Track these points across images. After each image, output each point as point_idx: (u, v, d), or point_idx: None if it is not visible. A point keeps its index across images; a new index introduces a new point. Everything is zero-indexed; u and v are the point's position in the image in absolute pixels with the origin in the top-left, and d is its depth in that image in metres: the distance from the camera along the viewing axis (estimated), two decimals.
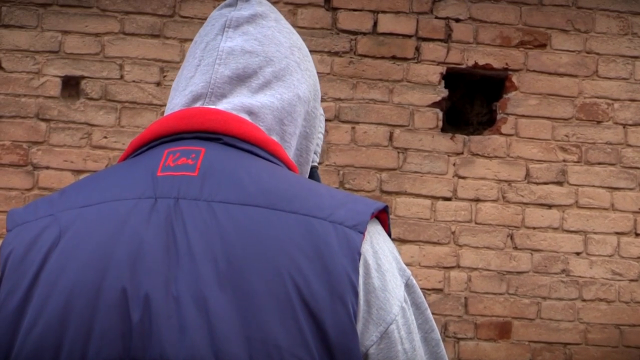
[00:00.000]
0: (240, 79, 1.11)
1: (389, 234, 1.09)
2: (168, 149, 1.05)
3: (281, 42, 1.17)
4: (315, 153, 1.24)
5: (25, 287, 0.98)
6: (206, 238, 0.96)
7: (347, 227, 0.98)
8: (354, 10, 3.98)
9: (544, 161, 4.00)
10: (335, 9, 3.97)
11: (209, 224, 0.97)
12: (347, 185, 3.89)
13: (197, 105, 1.11)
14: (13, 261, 1.00)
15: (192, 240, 0.96)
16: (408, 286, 1.04)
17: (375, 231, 1.04)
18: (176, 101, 1.14)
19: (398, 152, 3.95)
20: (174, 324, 0.92)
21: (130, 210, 1.00)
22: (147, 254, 0.96)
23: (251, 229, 0.96)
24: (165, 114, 1.14)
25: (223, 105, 1.10)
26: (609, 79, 4.05)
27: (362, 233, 0.99)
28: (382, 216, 1.08)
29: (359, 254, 0.97)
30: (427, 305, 1.07)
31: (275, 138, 1.12)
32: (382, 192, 3.92)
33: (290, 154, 1.15)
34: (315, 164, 1.26)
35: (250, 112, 1.10)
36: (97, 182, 1.07)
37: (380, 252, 1.02)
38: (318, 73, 1.15)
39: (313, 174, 1.25)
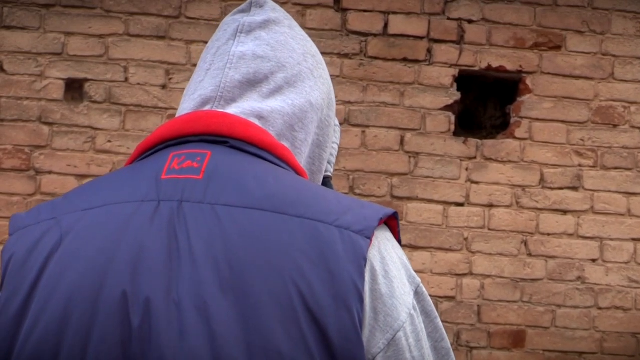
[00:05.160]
0: (251, 84, 1.11)
1: (399, 241, 1.07)
2: (173, 152, 1.05)
3: (294, 48, 1.16)
4: (329, 163, 1.24)
5: (25, 292, 0.97)
6: (209, 242, 0.95)
7: (354, 233, 0.97)
8: (364, 11, 3.92)
9: (559, 166, 3.94)
10: (345, 10, 3.92)
11: (211, 228, 0.96)
12: (357, 191, 3.84)
13: (206, 108, 1.10)
14: (14, 265, 1.00)
15: (194, 244, 0.95)
16: (417, 294, 1.03)
17: (383, 237, 1.02)
18: (185, 105, 1.13)
19: (409, 157, 3.89)
20: (175, 329, 0.92)
21: (133, 213, 0.99)
22: (148, 258, 0.95)
23: (255, 233, 0.96)
24: None
25: (232, 110, 1.09)
26: (626, 81, 4.00)
27: (369, 238, 0.97)
28: (392, 222, 1.06)
29: (365, 260, 0.95)
30: (437, 313, 1.05)
31: (285, 144, 1.11)
32: (393, 197, 3.86)
33: (302, 160, 1.14)
34: (329, 173, 1.24)
35: (260, 117, 1.09)
36: (101, 186, 1.06)
37: (388, 259, 1.00)
38: None
39: (326, 184, 1.24)
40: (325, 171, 1.22)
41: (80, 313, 0.94)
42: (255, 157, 1.05)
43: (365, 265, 0.95)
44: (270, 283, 0.92)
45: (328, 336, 0.91)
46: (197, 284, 0.93)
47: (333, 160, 1.25)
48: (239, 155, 1.04)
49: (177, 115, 1.14)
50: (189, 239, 0.95)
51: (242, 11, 1.18)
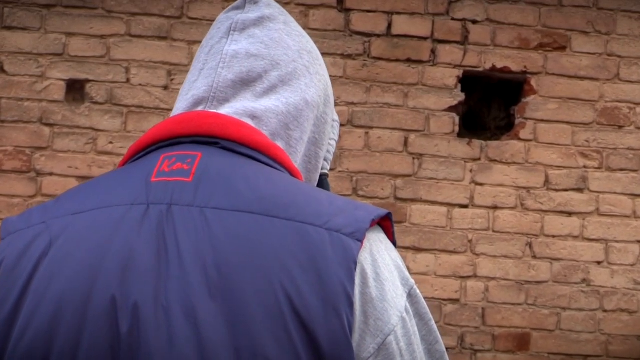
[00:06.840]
0: (244, 83, 1.09)
1: (394, 242, 1.05)
2: (164, 154, 1.04)
3: (289, 45, 1.14)
4: (325, 160, 1.22)
5: (15, 297, 0.97)
6: (197, 245, 0.94)
7: (344, 235, 0.95)
8: (368, 11, 3.90)
9: (564, 167, 3.92)
10: (348, 10, 3.90)
11: (200, 231, 0.95)
12: (360, 192, 3.81)
13: (199, 109, 1.08)
14: (4, 270, 0.99)
15: (182, 248, 0.94)
16: (411, 296, 1.01)
17: (376, 239, 1.00)
18: (179, 105, 1.12)
19: (413, 158, 3.87)
20: (164, 335, 0.91)
21: (122, 217, 0.98)
22: (137, 262, 0.94)
23: (244, 236, 0.94)
24: None
25: (225, 110, 1.07)
26: (631, 82, 3.98)
27: (360, 241, 0.96)
28: (386, 223, 1.04)
29: (355, 263, 0.94)
30: (431, 316, 1.03)
31: (280, 143, 1.09)
32: (397, 199, 3.84)
33: (297, 160, 1.13)
34: (326, 171, 1.22)
35: (253, 117, 1.08)
36: (92, 189, 1.05)
37: (380, 261, 0.98)
38: (330, 76, 1.10)
39: (323, 182, 1.22)
40: (322, 168, 1.20)
41: (70, 318, 0.93)
42: (247, 158, 1.04)
43: (355, 269, 0.94)
44: (258, 287, 0.91)
45: (317, 341, 0.90)
46: (186, 289, 0.92)
47: (330, 157, 1.23)
48: (230, 157, 1.03)
49: (171, 116, 1.12)
50: (177, 243, 0.94)
51: (236, 8, 1.15)
